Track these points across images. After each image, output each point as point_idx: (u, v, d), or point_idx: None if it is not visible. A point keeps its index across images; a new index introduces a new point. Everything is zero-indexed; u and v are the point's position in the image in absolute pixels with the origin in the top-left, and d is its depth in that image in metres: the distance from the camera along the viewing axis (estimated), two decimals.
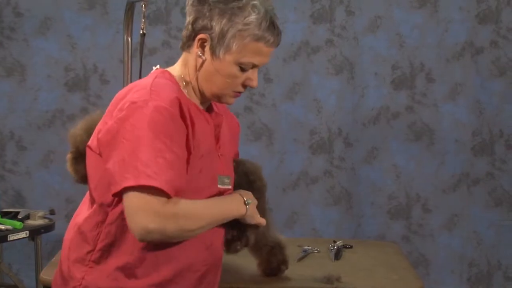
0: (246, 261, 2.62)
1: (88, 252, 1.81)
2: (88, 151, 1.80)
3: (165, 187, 1.64)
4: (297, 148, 4.14)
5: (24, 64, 4.07)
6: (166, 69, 1.89)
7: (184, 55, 1.86)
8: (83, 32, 4.06)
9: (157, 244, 1.78)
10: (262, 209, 2.02)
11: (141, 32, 2.44)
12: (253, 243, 2.11)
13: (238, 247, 2.02)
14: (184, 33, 1.83)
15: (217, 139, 1.91)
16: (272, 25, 1.78)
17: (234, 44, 1.76)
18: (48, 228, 3.55)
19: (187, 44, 1.83)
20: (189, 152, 1.75)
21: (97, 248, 1.80)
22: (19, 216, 3.51)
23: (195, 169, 1.78)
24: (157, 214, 1.64)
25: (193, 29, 1.80)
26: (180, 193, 1.70)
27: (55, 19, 4.05)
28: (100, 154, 1.75)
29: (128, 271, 1.78)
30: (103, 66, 4.08)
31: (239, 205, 1.87)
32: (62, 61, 4.07)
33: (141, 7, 2.67)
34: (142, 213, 1.64)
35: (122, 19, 2.97)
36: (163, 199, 1.65)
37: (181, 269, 1.83)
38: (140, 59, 2.52)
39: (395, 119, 4.11)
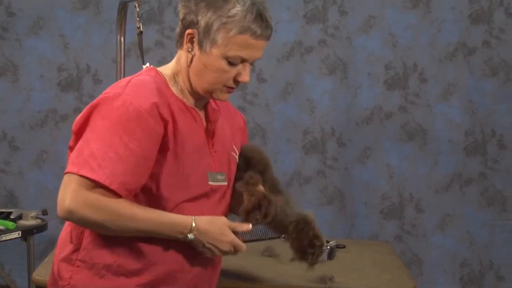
0: (240, 261, 2.62)
1: (74, 251, 1.80)
2: (68, 151, 1.80)
3: (104, 181, 1.64)
4: (290, 148, 4.14)
5: (16, 64, 4.06)
6: (158, 67, 1.90)
7: (178, 52, 1.87)
8: (76, 32, 4.06)
9: (149, 243, 1.77)
10: (271, 185, 2.00)
11: (138, 31, 2.44)
12: (278, 224, 2.01)
13: (258, 217, 1.90)
14: (177, 30, 1.84)
15: (212, 135, 1.90)
16: (259, 17, 1.76)
17: (220, 37, 1.74)
18: (40, 228, 3.54)
19: (179, 41, 1.83)
20: (166, 149, 1.75)
21: (83, 246, 1.79)
22: (12, 216, 3.50)
23: (180, 166, 1.78)
24: (79, 196, 1.65)
25: (183, 25, 1.81)
26: (131, 189, 1.70)
27: (47, 18, 4.04)
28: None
29: (117, 269, 1.77)
30: (96, 66, 4.08)
31: (180, 232, 1.75)
32: (55, 61, 4.07)
33: (134, 7, 2.66)
34: (67, 191, 1.66)
35: (115, 19, 2.97)
36: (92, 186, 1.65)
37: (174, 268, 1.82)
38: (141, 56, 2.52)
39: (388, 119, 4.12)
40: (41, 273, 2.40)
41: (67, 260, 1.81)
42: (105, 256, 1.77)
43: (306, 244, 2.04)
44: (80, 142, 1.70)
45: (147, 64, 1.92)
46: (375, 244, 3.24)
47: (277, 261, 2.73)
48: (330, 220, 4.15)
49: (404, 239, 4.16)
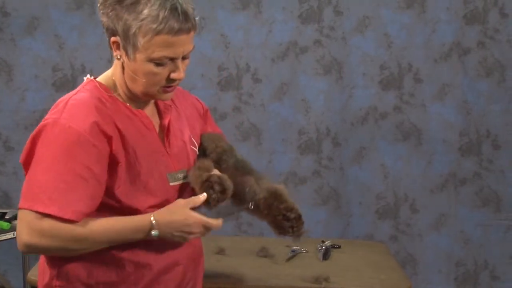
0: (235, 261, 2.63)
1: (53, 278, 1.80)
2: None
3: (58, 213, 1.62)
4: (285, 148, 4.14)
5: (11, 64, 4.05)
6: (98, 76, 1.86)
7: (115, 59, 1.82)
8: (71, 32, 4.05)
9: (126, 255, 1.76)
10: (236, 169, 1.96)
11: None
12: (248, 203, 1.95)
13: (214, 195, 1.82)
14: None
15: (167, 132, 1.87)
16: (174, 12, 1.67)
17: (139, 42, 1.68)
18: None
19: (111, 50, 1.79)
20: (116, 164, 1.72)
21: (60, 272, 1.79)
22: (6, 217, 3.50)
23: (136, 176, 1.76)
24: (33, 229, 1.63)
25: (107, 33, 1.76)
26: (87, 213, 1.68)
27: (42, 18, 4.03)
28: None
29: (99, 286, 1.77)
30: (91, 66, 4.07)
31: (142, 232, 1.73)
32: (49, 61, 4.06)
33: None
34: (22, 227, 1.64)
35: None
36: (45, 216, 1.63)
37: (156, 274, 1.82)
38: None
39: (383, 119, 4.13)
40: (36, 274, 2.39)
41: (48, 287, 1.81)
42: (84, 277, 1.76)
43: (280, 218, 1.95)
44: (28, 175, 1.69)
45: (88, 76, 1.87)
46: (370, 244, 3.25)
47: (272, 262, 2.73)
48: (325, 220, 4.15)
49: (399, 239, 4.17)
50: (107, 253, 1.75)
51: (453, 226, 4.15)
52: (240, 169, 1.98)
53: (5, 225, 3.38)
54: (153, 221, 1.73)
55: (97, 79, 1.85)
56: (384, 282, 2.51)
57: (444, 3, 4.05)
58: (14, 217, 3.53)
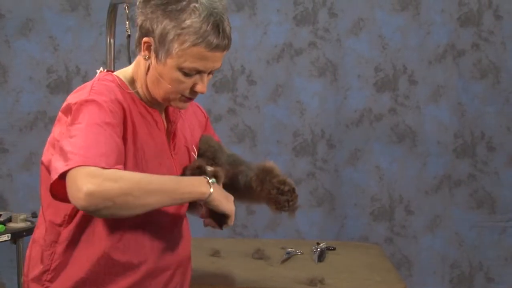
0: (231, 263, 2.63)
1: (44, 272, 1.79)
2: (41, 167, 1.76)
3: (110, 166, 1.57)
4: (280, 150, 4.14)
5: (5, 65, 4.04)
6: (116, 71, 1.87)
7: (138, 57, 1.83)
8: (66, 33, 4.04)
9: (113, 255, 1.76)
10: (229, 165, 1.99)
11: (126, 34, 2.43)
12: (243, 187, 1.97)
13: (210, 169, 1.82)
14: (136, 35, 1.79)
15: (173, 136, 1.89)
16: (216, 28, 1.69)
17: (174, 48, 1.70)
18: (30, 231, 3.52)
19: (138, 47, 1.79)
20: (125, 156, 1.71)
21: (52, 267, 1.77)
22: (1, 219, 3.48)
23: (141, 172, 1.73)
24: (95, 176, 1.53)
25: (140, 32, 1.76)
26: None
27: (37, 20, 4.03)
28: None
29: (84, 286, 1.76)
30: (85, 68, 4.06)
31: (201, 183, 1.69)
32: (44, 62, 4.05)
33: (124, 9, 2.66)
34: (80, 179, 1.53)
35: (105, 21, 2.96)
36: (102, 169, 1.56)
37: (141, 277, 1.81)
38: (128, 61, 2.52)
39: (378, 121, 4.13)
40: None
41: (37, 280, 1.80)
42: (72, 275, 1.76)
43: (275, 192, 1.91)
44: (60, 150, 1.62)
45: (101, 69, 1.88)
46: (365, 246, 3.25)
47: (267, 264, 2.73)
48: (320, 222, 4.16)
49: (394, 240, 4.17)
50: (97, 251, 1.75)
51: (448, 227, 4.15)
52: (232, 163, 2.02)
53: None
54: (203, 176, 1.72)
55: (115, 73, 1.85)
56: (379, 284, 2.51)
57: (439, 5, 4.06)
58: (9, 219, 3.52)
